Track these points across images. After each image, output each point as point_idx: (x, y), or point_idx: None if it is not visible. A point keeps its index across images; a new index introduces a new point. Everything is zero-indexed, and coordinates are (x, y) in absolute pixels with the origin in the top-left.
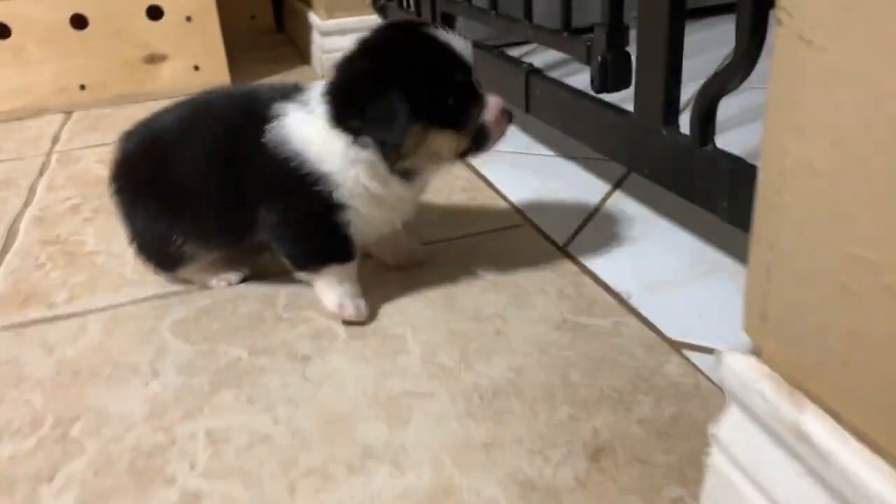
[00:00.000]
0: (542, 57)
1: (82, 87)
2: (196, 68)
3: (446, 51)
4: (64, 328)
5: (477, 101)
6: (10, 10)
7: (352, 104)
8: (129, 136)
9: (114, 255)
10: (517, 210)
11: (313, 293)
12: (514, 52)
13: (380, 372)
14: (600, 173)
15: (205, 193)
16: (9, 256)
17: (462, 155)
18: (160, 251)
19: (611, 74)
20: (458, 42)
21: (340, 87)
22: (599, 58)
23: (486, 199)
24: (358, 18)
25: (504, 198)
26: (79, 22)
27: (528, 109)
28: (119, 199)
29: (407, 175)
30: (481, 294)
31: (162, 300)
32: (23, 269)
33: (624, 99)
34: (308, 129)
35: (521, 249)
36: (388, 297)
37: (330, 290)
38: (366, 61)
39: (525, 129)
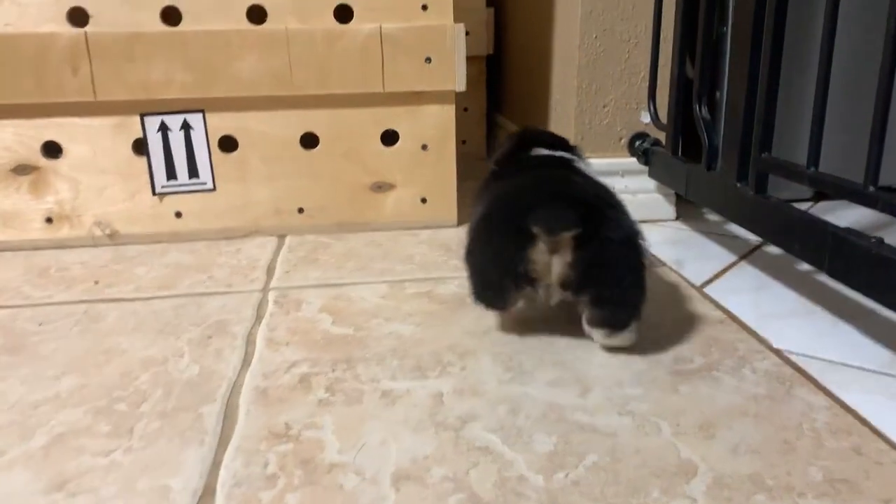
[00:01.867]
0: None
1: (300, 210)
2: (423, 201)
3: None
4: None
5: None
6: (241, 123)
7: None
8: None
9: (365, 477)
10: None
11: None
12: None
13: None
14: None
15: None
16: (229, 454)
17: None
18: None
19: None
20: None
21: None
22: None
23: (874, 451)
24: (608, 161)
25: None
26: (308, 141)
27: None
28: None
29: None
30: None
31: None
32: (249, 481)
33: None
34: None
35: None
36: None
37: None
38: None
39: (872, 334)
